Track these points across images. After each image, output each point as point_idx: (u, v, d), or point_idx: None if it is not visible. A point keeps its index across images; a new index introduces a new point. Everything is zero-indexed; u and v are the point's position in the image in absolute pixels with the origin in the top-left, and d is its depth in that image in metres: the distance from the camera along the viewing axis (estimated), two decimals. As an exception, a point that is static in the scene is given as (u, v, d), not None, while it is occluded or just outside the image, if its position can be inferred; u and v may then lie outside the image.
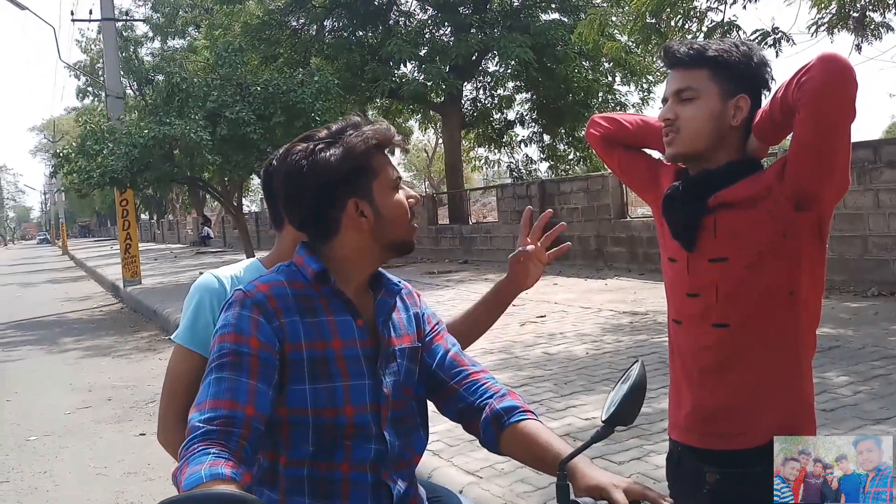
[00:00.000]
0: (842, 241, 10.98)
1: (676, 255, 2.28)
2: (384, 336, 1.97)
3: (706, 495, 2.21)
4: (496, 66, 25.17)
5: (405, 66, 24.39)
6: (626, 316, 10.29)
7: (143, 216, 68.57)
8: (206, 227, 45.59)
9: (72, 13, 43.71)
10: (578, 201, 17.13)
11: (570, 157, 26.71)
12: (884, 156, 10.77)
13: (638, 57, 19.77)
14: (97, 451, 7.09)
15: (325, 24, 24.98)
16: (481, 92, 27.30)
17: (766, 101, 2.21)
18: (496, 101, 27.01)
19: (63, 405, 8.80)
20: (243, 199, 22.35)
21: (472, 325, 2.61)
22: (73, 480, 6.37)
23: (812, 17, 10.69)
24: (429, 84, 23.03)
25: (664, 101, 2.26)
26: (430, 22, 25.28)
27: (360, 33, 25.17)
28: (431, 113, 29.44)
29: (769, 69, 2.22)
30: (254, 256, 2.55)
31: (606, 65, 23.49)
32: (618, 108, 23.94)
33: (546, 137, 27.24)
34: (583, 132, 2.78)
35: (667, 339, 2.45)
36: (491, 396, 2.03)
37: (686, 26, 11.18)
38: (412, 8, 25.84)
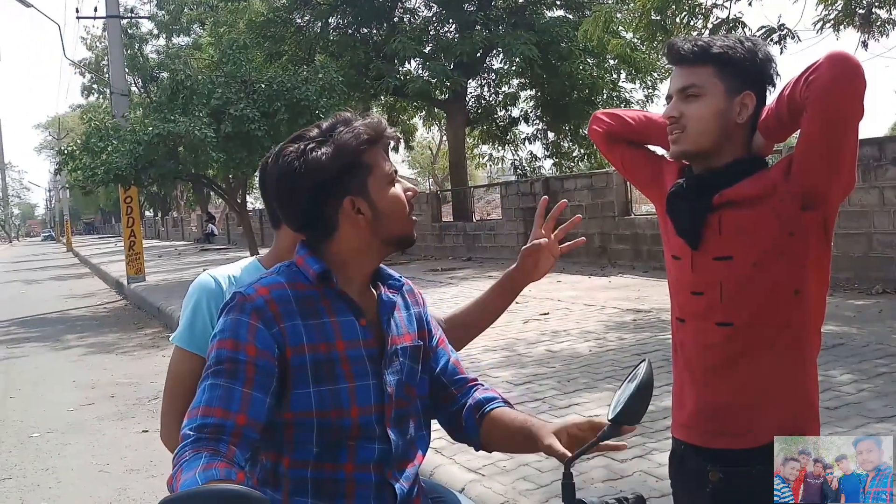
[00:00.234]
0: (846, 239, 10.95)
1: (680, 252, 2.26)
2: (388, 335, 1.96)
3: (709, 494, 2.20)
4: (501, 63, 25.12)
5: (409, 63, 24.42)
6: (629, 313, 10.27)
7: (147, 213, 68.69)
8: (210, 224, 45.62)
9: (77, 10, 43.55)
10: (582, 198, 17.09)
11: (575, 154, 26.68)
12: (889, 153, 10.74)
13: (643, 54, 19.76)
14: (100, 447, 7.09)
15: (329, 21, 24.96)
16: (486, 89, 27.28)
17: (771, 98, 2.19)
18: (500, 99, 26.97)
19: (66, 402, 8.80)
20: (247, 197, 22.33)
21: (481, 315, 2.60)
22: (76, 477, 6.37)
23: (818, 13, 10.68)
24: (433, 81, 22.99)
25: (668, 98, 2.25)
26: (434, 19, 25.27)
27: (365, 30, 25.15)
28: (436, 110, 29.41)
29: (774, 65, 2.20)
30: (258, 254, 2.53)
31: (611, 62, 23.44)
32: (622, 104, 23.90)
33: (550, 135, 27.22)
34: (587, 129, 2.75)
35: (670, 336, 2.43)
36: (476, 389, 2.10)
37: (691, 23, 11.16)
38: (417, 5, 25.80)
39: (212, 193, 30.83)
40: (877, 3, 10.52)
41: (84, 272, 31.65)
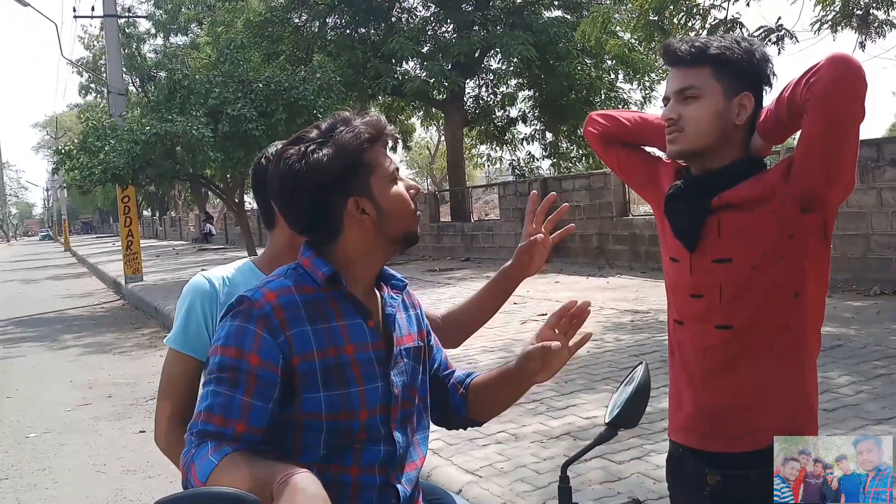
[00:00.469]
0: (844, 240, 10.95)
1: (678, 254, 2.25)
2: (396, 336, 1.96)
3: (706, 497, 2.19)
4: (498, 63, 25.10)
5: (407, 63, 24.41)
6: (627, 314, 10.27)
7: (145, 213, 68.61)
8: (208, 224, 45.59)
9: (74, 10, 43.53)
10: (580, 199, 17.09)
11: (573, 154, 26.67)
12: (887, 154, 10.74)
13: (641, 55, 19.76)
14: (97, 448, 7.08)
15: (327, 20, 24.96)
16: (483, 89, 27.27)
17: (768, 98, 2.19)
18: (498, 99, 26.93)
19: (63, 402, 8.79)
20: (245, 196, 22.33)
21: (475, 313, 2.60)
22: (73, 478, 6.36)
23: (815, 14, 10.67)
24: (431, 81, 22.99)
25: (665, 100, 2.23)
26: (432, 19, 25.25)
27: (363, 30, 25.15)
28: (434, 110, 29.41)
29: (771, 66, 2.19)
30: (255, 254, 2.52)
31: (609, 62, 23.43)
32: (621, 105, 23.90)
33: (548, 135, 27.20)
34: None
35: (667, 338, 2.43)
36: (454, 372, 2.20)
37: (689, 24, 11.16)
38: (414, 5, 25.80)
39: (209, 193, 30.82)
40: (874, 5, 10.51)
41: (82, 272, 31.63)
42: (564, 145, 26.87)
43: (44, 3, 28.03)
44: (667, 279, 2.36)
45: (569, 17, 23.92)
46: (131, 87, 42.11)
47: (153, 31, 45.12)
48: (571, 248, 17.23)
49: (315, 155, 1.83)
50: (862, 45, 10.68)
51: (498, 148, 29.26)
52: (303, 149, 1.84)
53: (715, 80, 2.12)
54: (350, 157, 1.84)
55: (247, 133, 16.31)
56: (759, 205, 2.10)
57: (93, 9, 26.04)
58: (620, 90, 24.98)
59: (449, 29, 24.98)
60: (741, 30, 10.71)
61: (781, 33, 10.40)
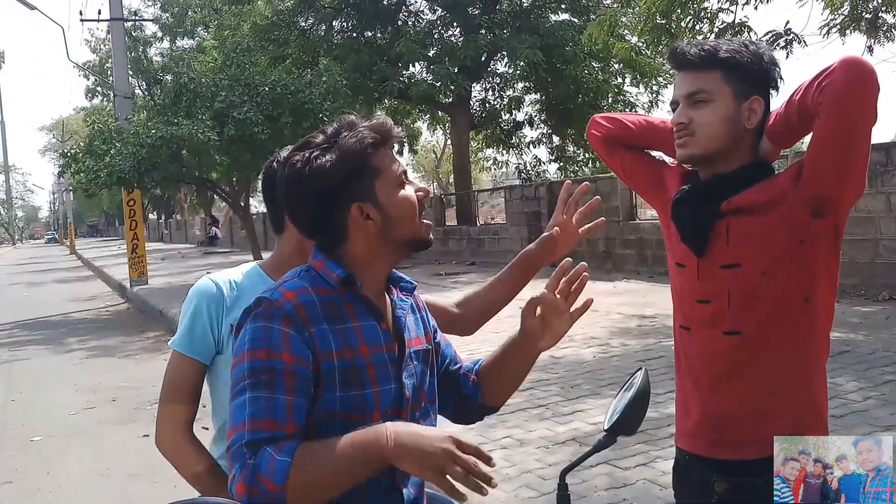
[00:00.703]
0: (853, 245, 10.90)
1: (685, 259, 2.23)
2: (405, 338, 1.95)
3: None
4: (505, 66, 25.15)
5: (414, 66, 24.44)
6: (634, 319, 10.23)
7: (151, 216, 68.70)
8: (213, 228, 45.61)
9: (80, 13, 43.67)
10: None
11: (580, 158, 26.63)
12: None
13: (648, 58, 19.72)
14: (101, 452, 7.06)
15: (333, 24, 24.98)
16: (490, 93, 27.27)
17: (775, 102, 2.18)
18: (505, 103, 26.89)
19: (68, 406, 8.78)
20: (251, 200, 22.34)
21: (496, 295, 2.61)
22: (77, 482, 6.35)
23: (824, 18, 10.64)
24: (437, 85, 23.00)
25: (673, 104, 2.22)
26: (438, 22, 25.27)
27: (369, 34, 25.17)
28: (440, 114, 29.43)
29: (778, 69, 2.18)
30: (261, 258, 2.51)
31: (616, 66, 23.41)
32: (628, 109, 23.86)
33: (555, 139, 27.19)
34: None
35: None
36: (462, 364, 2.20)
37: (696, 27, 11.13)
38: (421, 8, 25.81)
39: (215, 197, 30.86)
40: (883, 8, 10.49)
41: (87, 275, 31.67)
42: (571, 149, 26.85)
43: (50, 7, 28.11)
44: (673, 285, 2.35)
45: (576, 20, 23.87)
46: (137, 91, 42.10)
47: (159, 34, 45.14)
48: (578, 253, 17.18)
49: (319, 160, 1.83)
50: (870, 49, 10.66)
51: (504, 152, 29.27)
52: (308, 154, 1.85)
53: (725, 84, 2.12)
54: (354, 162, 1.84)
55: (253, 137, 16.30)
56: (769, 209, 2.09)
57: (99, 12, 26.08)
58: (628, 94, 24.97)
59: (455, 32, 25.01)
60: (749, 33, 10.68)
61: (790, 38, 10.37)
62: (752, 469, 2.10)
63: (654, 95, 24.48)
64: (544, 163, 28.19)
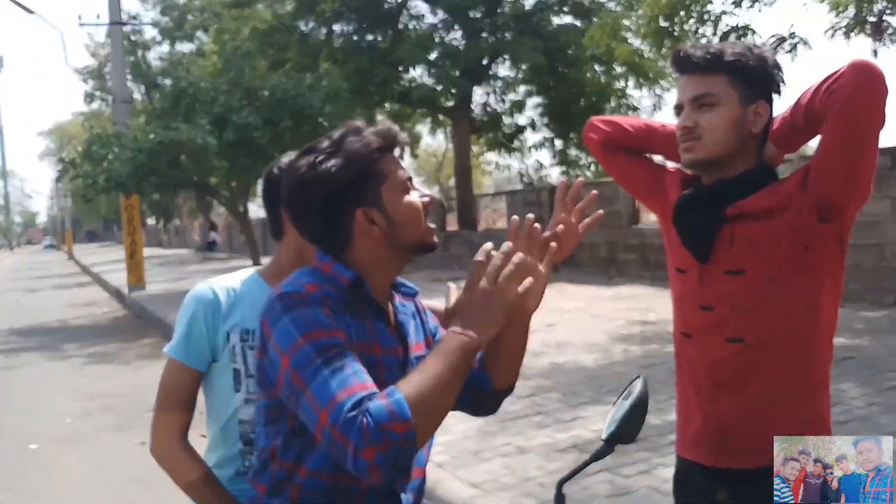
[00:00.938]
0: (858, 250, 10.82)
1: (686, 265, 2.22)
2: (409, 343, 1.96)
3: None
4: (507, 70, 25.15)
5: (415, 70, 24.41)
6: (636, 325, 10.18)
7: (149, 221, 68.73)
8: (212, 233, 45.67)
9: (79, 17, 43.81)
10: (589, 207, 16.97)
11: (582, 162, 26.55)
12: (901, 163, 10.64)
13: (650, 62, 19.71)
14: (99, 459, 7.03)
15: (334, 28, 24.96)
16: (492, 96, 27.15)
17: (779, 106, 2.17)
18: (507, 106, 26.82)
19: (65, 412, 8.74)
20: (250, 205, 22.32)
21: None
22: (75, 489, 6.31)
23: (829, 21, 10.62)
24: (439, 88, 23.04)
25: (677, 107, 2.20)
26: (440, 26, 25.20)
27: (370, 37, 25.10)
28: (441, 117, 29.37)
29: (782, 73, 2.17)
30: (259, 263, 2.44)
31: (619, 69, 23.38)
32: (631, 113, 23.80)
33: (557, 143, 27.11)
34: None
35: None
36: None
37: (700, 30, 11.09)
38: (422, 11, 25.78)
39: (214, 202, 30.88)
40: (888, 11, 10.46)
41: (85, 281, 31.67)
42: (574, 153, 26.76)
43: (50, 11, 28.12)
44: (673, 291, 2.33)
45: (578, 23, 23.79)
46: (136, 95, 42.11)
47: (159, 38, 45.20)
48: (580, 258, 17.15)
49: (324, 165, 1.83)
50: (875, 53, 10.64)
51: (506, 155, 29.21)
52: (313, 159, 1.85)
53: (731, 88, 2.10)
54: (360, 167, 1.84)
55: (252, 141, 16.29)
56: (774, 215, 2.08)
57: (98, 16, 26.14)
58: (631, 97, 24.93)
59: (457, 35, 24.97)
60: (753, 36, 10.66)
61: (795, 41, 10.34)
62: (753, 478, 2.06)
63: (658, 99, 24.45)
64: (546, 167, 28.17)
